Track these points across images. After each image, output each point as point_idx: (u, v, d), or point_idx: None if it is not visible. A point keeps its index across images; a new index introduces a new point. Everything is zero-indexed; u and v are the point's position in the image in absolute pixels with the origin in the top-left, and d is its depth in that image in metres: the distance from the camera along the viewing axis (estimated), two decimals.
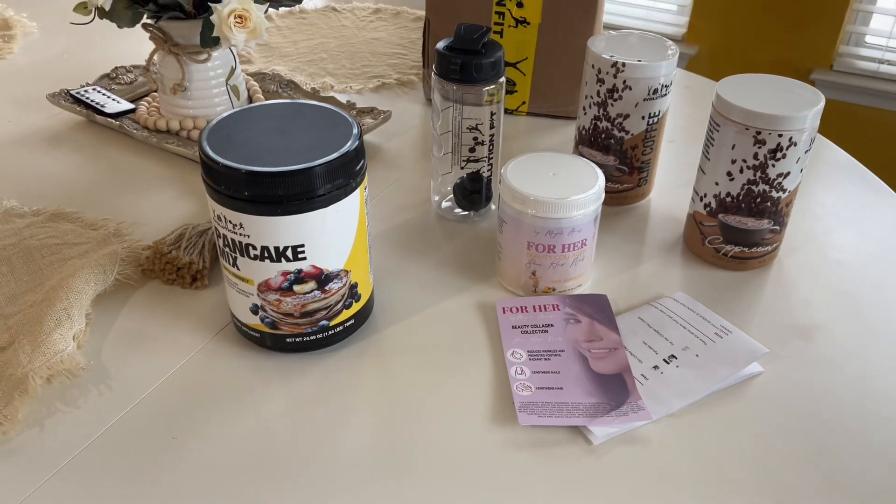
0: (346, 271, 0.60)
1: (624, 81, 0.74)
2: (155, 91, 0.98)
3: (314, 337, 0.61)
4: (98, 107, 0.92)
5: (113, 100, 0.94)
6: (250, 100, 0.95)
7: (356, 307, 0.63)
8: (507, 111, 0.99)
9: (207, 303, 0.68)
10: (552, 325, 0.65)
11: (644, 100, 0.74)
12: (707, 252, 0.73)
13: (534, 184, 0.65)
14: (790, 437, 0.56)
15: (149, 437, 0.56)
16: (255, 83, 0.97)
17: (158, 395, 0.59)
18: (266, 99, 0.97)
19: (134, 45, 1.17)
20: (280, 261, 0.57)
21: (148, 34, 0.86)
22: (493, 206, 0.80)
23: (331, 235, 0.57)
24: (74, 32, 1.21)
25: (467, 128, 0.73)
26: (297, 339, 0.61)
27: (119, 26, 0.84)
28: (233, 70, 0.87)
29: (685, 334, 0.64)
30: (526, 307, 0.67)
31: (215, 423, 0.57)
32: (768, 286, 0.71)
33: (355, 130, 0.57)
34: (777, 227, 0.70)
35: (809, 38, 2.24)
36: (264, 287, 0.58)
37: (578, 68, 0.94)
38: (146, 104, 0.94)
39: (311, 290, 0.59)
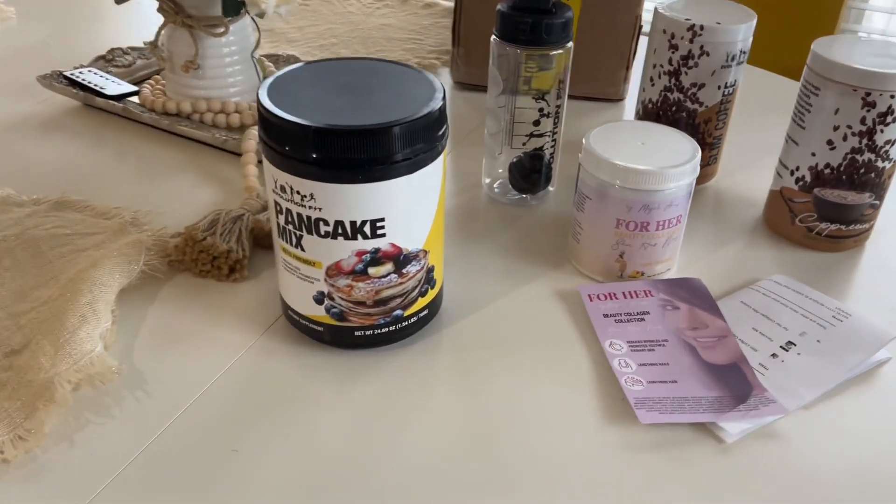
0: (425, 252, 0.51)
1: (701, 47, 0.67)
2: (157, 73, 0.89)
3: (386, 329, 0.53)
4: (97, 89, 0.82)
5: (112, 82, 0.85)
6: None
7: (431, 295, 0.54)
8: (541, 93, 0.91)
9: (249, 296, 0.59)
10: (648, 313, 0.58)
11: (721, 67, 0.68)
12: (797, 232, 0.66)
13: (622, 153, 0.58)
14: None
15: (203, 450, 0.46)
16: (271, 64, 0.88)
17: (208, 400, 0.50)
18: None
19: (124, 28, 1.07)
20: (356, 238, 0.48)
21: (157, 5, 0.77)
22: (550, 188, 0.72)
23: (413, 208, 0.49)
24: (57, 17, 1.11)
25: (533, 97, 0.66)
26: (367, 333, 0.53)
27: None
28: (258, 41, 0.78)
29: (799, 319, 0.57)
30: (615, 294, 0.59)
31: (280, 432, 0.48)
32: (867, 267, 0.65)
33: (438, 88, 0.49)
34: (877, 202, 0.64)
35: (803, 37, 2.22)
36: (334, 271, 0.50)
37: (623, 47, 0.88)
38: (149, 86, 0.84)
39: (388, 274, 0.50)
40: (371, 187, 0.47)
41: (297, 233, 0.49)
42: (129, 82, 0.87)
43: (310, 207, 0.47)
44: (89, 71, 0.86)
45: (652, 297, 0.59)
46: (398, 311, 0.52)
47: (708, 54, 0.67)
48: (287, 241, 0.50)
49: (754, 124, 0.88)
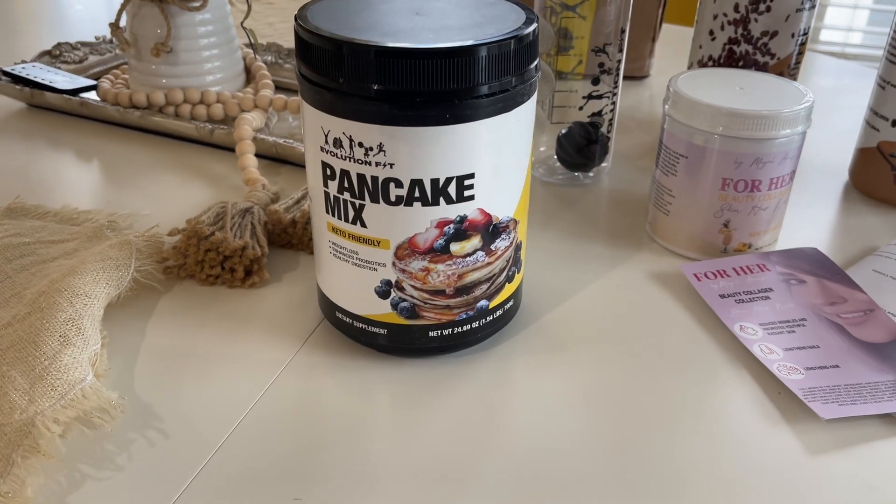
0: (516, 222, 0.40)
1: None
2: (116, 68, 0.76)
3: (468, 326, 0.41)
4: (47, 84, 0.69)
5: (63, 76, 0.71)
6: (247, 70, 0.74)
7: (517, 281, 0.43)
8: (560, 74, 0.81)
9: (273, 303, 0.46)
10: (771, 290, 0.47)
11: (796, 10, 0.59)
12: None
13: (721, 98, 0.47)
14: None
15: (253, 503, 0.33)
16: (250, 50, 0.76)
17: (245, 437, 0.37)
18: (268, 70, 0.76)
19: (63, 27, 0.94)
20: (437, 202, 0.36)
21: None
22: (605, 164, 0.62)
23: (507, 161, 0.38)
24: None
25: (593, 49, 0.56)
26: (445, 332, 0.40)
27: None
28: (249, 8, 0.66)
29: None
30: (724, 271, 0.49)
31: (354, 469, 0.35)
32: None
33: (527, 13, 0.38)
34: None
35: None
36: (406, 250, 0.38)
37: (649, 14, 0.79)
38: (109, 81, 0.71)
39: (474, 251, 0.38)
40: (459, 131, 0.35)
41: (357, 202, 0.37)
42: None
43: (377, 164, 0.36)
44: (34, 66, 0.72)
45: (769, 272, 0.48)
46: (483, 302, 0.41)
47: None
48: (340, 217, 0.38)
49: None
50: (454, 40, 0.34)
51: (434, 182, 0.36)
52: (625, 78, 0.82)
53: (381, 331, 0.40)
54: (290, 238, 0.51)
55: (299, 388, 0.40)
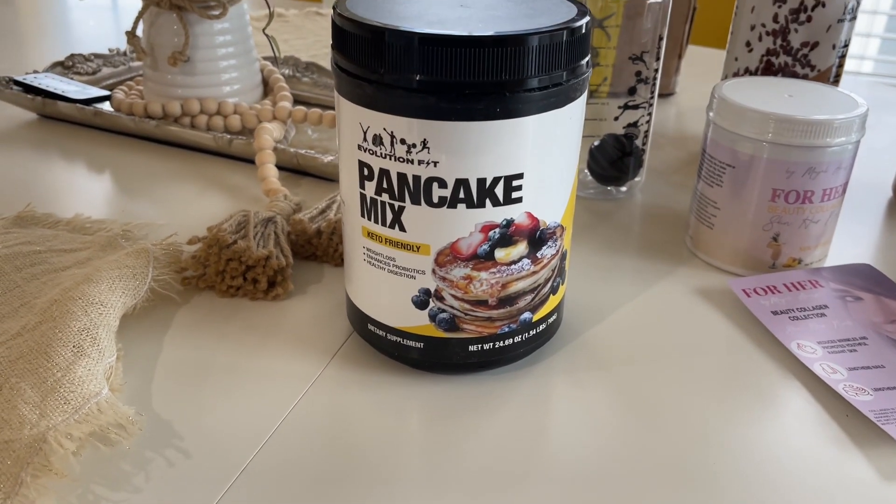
0: (563, 228, 0.37)
1: None
2: (130, 80, 0.74)
3: (510, 341, 0.38)
4: (60, 93, 0.66)
5: (76, 86, 0.69)
6: (265, 82, 0.72)
7: (561, 293, 0.40)
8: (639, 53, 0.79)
9: (298, 316, 0.43)
10: (826, 307, 0.44)
11: (838, 21, 0.57)
12: None
13: (770, 104, 0.45)
14: None
15: None
16: (269, 63, 0.74)
17: (271, 457, 0.34)
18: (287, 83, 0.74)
19: (73, 43, 0.92)
20: (483, 204, 0.34)
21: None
22: (638, 178, 0.59)
23: (556, 161, 0.35)
24: None
25: (630, 57, 0.54)
26: (485, 346, 0.38)
27: None
28: (271, 15, 0.64)
29: None
30: (775, 287, 0.46)
31: (394, 496, 0.32)
32: None
33: (580, 8, 0.36)
34: None
35: None
36: (448, 256, 0.35)
37: (675, 30, 0.77)
38: (123, 91, 0.69)
39: (520, 258, 0.36)
40: (508, 126, 0.33)
41: (396, 204, 0.34)
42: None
43: (419, 162, 0.33)
44: (46, 76, 0.70)
45: (822, 288, 0.46)
46: (526, 314, 0.38)
47: (823, 5, 0.56)
48: (377, 220, 0.35)
49: None
50: (504, 29, 0.32)
51: (480, 182, 0.33)
52: None
53: (417, 344, 0.38)
54: (315, 249, 0.48)
55: (329, 405, 0.37)
